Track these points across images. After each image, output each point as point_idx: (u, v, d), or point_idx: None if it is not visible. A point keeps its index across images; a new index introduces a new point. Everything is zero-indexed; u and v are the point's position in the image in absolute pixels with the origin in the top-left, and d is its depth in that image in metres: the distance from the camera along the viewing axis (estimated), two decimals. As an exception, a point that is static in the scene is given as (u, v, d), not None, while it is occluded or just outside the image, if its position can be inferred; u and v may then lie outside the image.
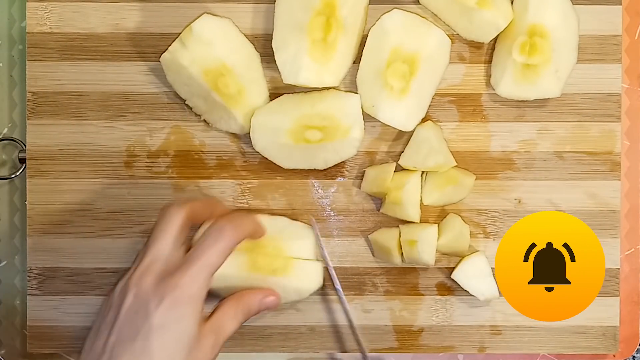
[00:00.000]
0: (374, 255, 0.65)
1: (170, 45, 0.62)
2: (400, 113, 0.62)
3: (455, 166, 0.64)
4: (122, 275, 0.56)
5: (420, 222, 0.64)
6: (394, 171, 0.64)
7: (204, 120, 0.64)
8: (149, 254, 0.55)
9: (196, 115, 0.64)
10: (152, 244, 0.56)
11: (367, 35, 0.63)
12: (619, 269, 0.66)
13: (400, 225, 0.64)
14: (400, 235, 0.64)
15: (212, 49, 0.61)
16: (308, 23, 0.61)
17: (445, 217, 0.65)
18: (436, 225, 0.64)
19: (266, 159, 0.64)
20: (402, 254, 0.64)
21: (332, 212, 0.65)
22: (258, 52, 0.64)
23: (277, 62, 0.62)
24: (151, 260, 0.55)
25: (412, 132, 0.64)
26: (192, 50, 0.61)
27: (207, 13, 0.63)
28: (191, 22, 0.62)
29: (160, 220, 0.56)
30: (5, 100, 0.67)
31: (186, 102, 0.64)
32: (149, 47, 0.64)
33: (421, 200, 0.64)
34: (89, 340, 0.54)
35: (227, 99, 0.62)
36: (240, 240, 0.57)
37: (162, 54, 0.62)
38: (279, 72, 0.62)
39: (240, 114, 0.63)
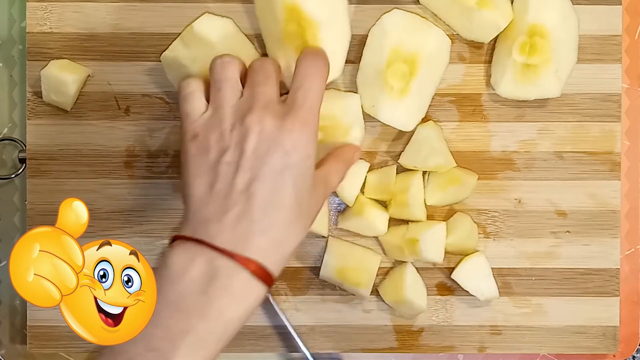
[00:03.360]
0: (385, 255, 0.65)
1: (170, 44, 0.62)
2: (400, 113, 0.62)
3: (458, 166, 0.64)
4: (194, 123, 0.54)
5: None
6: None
7: None
8: (257, 96, 0.53)
9: None
10: (257, 88, 0.54)
11: (367, 35, 0.63)
12: (619, 269, 0.66)
13: (409, 223, 0.64)
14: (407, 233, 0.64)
15: (213, 49, 0.61)
16: (282, 33, 0.60)
17: (452, 215, 0.65)
18: (444, 223, 0.63)
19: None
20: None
21: (332, 212, 0.65)
22: (258, 52, 0.64)
23: None
24: (265, 102, 0.53)
25: (412, 132, 0.64)
26: (193, 50, 0.61)
27: (209, 13, 0.63)
28: (192, 22, 0.62)
29: (258, 69, 0.55)
30: (5, 100, 0.67)
31: None
32: (149, 47, 0.64)
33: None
34: (199, 186, 0.52)
35: None
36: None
37: (162, 53, 0.62)
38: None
39: None
